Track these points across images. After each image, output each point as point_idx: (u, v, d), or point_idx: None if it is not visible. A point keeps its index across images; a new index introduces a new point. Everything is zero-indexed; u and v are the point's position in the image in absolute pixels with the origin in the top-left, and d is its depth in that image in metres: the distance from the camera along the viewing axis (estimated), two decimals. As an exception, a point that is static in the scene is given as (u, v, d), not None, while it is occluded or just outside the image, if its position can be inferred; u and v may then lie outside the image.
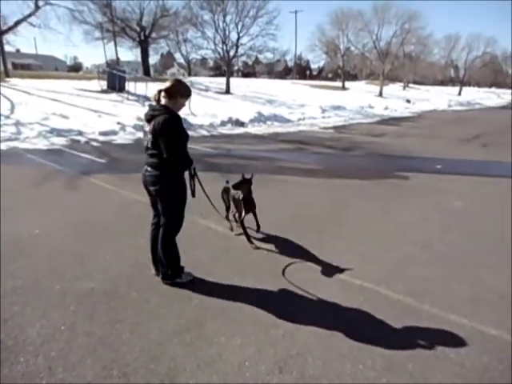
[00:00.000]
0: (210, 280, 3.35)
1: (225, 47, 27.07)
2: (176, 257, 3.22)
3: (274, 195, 6.05)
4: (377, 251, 4.06)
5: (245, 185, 4.13)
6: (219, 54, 28.27)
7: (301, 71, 68.04)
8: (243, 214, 4.15)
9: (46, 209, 4.99)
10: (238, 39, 27.10)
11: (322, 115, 20.38)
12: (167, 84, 2.97)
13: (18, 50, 51.23)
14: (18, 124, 12.29)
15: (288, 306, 3.00)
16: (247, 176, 4.18)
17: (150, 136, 2.91)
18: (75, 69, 63.04)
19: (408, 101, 34.77)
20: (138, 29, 30.60)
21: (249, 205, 4.18)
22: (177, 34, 37.58)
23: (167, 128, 2.80)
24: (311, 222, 4.90)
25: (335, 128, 16.28)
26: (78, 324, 2.65)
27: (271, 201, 5.74)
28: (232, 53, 27.67)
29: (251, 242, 4.09)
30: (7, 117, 13.48)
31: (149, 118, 2.94)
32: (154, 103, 3.03)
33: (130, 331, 2.59)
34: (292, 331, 2.65)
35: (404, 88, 50.74)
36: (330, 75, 60.90)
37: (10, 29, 22.32)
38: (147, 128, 2.99)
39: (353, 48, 43.61)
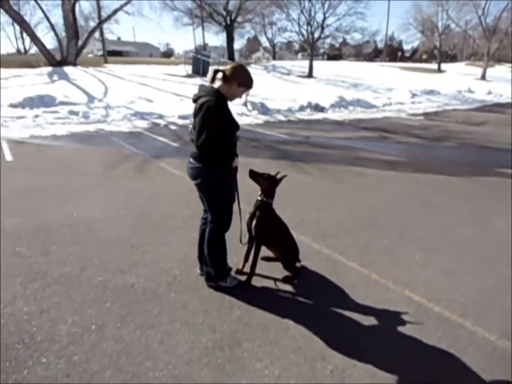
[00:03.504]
0: (258, 286, 2.98)
1: (309, 28, 26.07)
2: (221, 257, 2.89)
3: (346, 189, 5.45)
4: (466, 269, 3.30)
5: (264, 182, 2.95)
6: (303, 35, 27.36)
7: (392, 53, 63.39)
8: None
9: (111, 193, 5.03)
10: (324, 20, 25.88)
11: (411, 100, 18.60)
12: (228, 66, 2.62)
13: (118, 38, 55.59)
14: (107, 107, 13.07)
15: (343, 331, 2.49)
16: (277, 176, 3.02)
17: (193, 120, 2.58)
18: (167, 55, 66.47)
19: (518, 84, 30.27)
20: (225, 13, 30.93)
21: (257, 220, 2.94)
22: (263, 17, 37.41)
23: (206, 112, 2.42)
24: (385, 224, 4.23)
25: (425, 115, 14.68)
26: (108, 325, 2.46)
27: (343, 196, 5.17)
28: (317, 34, 26.56)
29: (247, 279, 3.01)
30: (100, 100, 14.47)
31: (195, 99, 2.59)
32: (207, 84, 2.68)
33: (159, 341, 2.33)
34: (343, 368, 2.16)
35: (514, 69, 44.42)
36: (424, 56, 55.68)
37: (109, 17, 23.95)
38: None
39: (453, 25, 39.17)
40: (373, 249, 3.62)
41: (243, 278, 3.02)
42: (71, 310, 2.61)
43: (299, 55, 61.91)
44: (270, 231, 2.97)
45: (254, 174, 2.95)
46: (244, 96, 2.74)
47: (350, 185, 5.68)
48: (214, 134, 2.44)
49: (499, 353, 2.32)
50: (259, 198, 2.97)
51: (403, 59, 62.94)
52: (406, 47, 71.67)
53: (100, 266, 3.19)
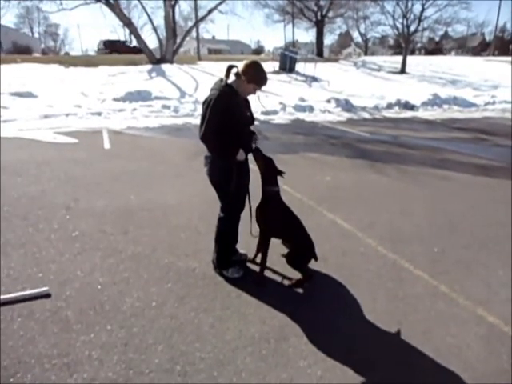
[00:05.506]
0: (315, 283, 2.93)
1: (405, 21, 24.44)
2: (225, 246, 3.00)
3: (425, 193, 5.07)
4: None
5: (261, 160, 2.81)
6: (397, 29, 25.81)
7: (502, 45, 56.64)
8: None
9: (188, 182, 5.33)
10: (422, 11, 24.03)
11: (520, 99, 16.47)
12: (243, 62, 2.70)
13: (213, 37, 58.34)
14: (195, 102, 13.80)
15: (398, 342, 2.34)
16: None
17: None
18: (257, 52, 67.85)
19: None
20: (316, 8, 30.56)
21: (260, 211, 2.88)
22: (356, 11, 36.18)
23: (208, 105, 2.55)
24: (466, 233, 3.85)
25: (537, 115, 12.93)
26: (167, 304, 2.64)
27: (421, 200, 4.82)
28: (413, 27, 24.82)
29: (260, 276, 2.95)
30: (190, 95, 15.35)
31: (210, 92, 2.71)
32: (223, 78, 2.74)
33: (210, 325, 2.44)
34: (390, 381, 2.04)
35: None
36: (543, 49, 48.84)
37: (204, 17, 25.20)
38: None
39: None
40: (446, 259, 3.33)
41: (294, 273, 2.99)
42: (138, 285, 2.85)
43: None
44: (277, 223, 2.85)
45: (256, 152, 2.79)
46: (258, 93, 2.76)
47: (430, 188, 5.27)
48: (212, 126, 2.55)
49: None
50: (263, 188, 2.84)
51: (516, 53, 55.83)
52: (521, 39, 63.35)
53: (168, 249, 3.42)
